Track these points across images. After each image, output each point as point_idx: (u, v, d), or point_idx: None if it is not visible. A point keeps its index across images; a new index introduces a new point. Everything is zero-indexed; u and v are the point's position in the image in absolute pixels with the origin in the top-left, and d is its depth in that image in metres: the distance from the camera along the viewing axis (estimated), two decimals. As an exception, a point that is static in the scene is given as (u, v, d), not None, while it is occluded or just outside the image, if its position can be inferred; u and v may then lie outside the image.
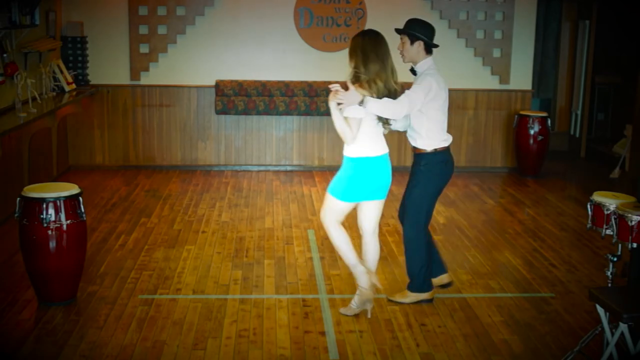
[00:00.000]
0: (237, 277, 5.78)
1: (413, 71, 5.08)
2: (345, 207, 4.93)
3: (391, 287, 5.58)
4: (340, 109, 4.70)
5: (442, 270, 5.36)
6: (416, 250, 5.15)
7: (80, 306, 5.16)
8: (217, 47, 9.35)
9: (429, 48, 4.99)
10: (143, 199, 8.06)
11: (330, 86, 4.73)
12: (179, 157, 9.53)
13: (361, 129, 4.78)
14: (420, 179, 5.08)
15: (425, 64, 4.99)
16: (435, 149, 5.02)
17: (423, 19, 5.11)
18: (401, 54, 5.09)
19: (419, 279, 5.20)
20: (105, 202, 7.88)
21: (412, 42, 4.95)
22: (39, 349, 4.55)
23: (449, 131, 5.16)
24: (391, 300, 5.27)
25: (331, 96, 4.68)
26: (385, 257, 6.27)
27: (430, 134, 5.00)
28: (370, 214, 5.01)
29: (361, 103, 4.64)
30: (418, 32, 4.94)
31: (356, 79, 4.76)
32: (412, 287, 5.23)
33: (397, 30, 5.04)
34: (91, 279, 5.65)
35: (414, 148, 5.10)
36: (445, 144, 5.06)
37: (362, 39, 4.80)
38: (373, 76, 4.72)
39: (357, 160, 4.83)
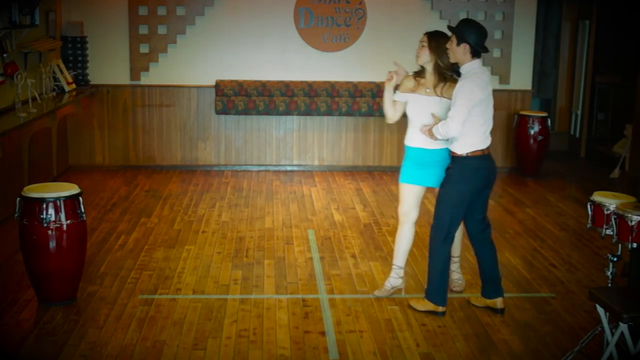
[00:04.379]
0: (237, 277, 5.78)
1: (458, 72, 5.01)
2: None
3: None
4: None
5: (497, 293, 5.19)
6: (434, 254, 5.06)
7: (80, 306, 5.16)
8: (217, 47, 9.35)
9: (476, 51, 4.89)
10: (143, 199, 8.06)
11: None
12: (179, 157, 9.53)
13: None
14: (450, 181, 5.01)
15: (470, 66, 4.89)
16: (467, 153, 4.92)
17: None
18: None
19: (431, 286, 5.09)
20: (105, 202, 7.88)
21: (458, 43, 4.87)
22: (39, 349, 4.55)
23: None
24: (410, 306, 5.22)
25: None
26: (385, 257, 6.27)
27: (467, 138, 4.90)
28: None
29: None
30: (466, 34, 4.84)
31: (443, 77, 5.14)
32: (427, 295, 5.13)
33: (449, 28, 4.99)
34: (91, 279, 5.65)
35: (450, 150, 5.03)
36: (479, 148, 4.93)
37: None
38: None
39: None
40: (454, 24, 4.90)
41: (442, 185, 5.07)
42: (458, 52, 4.89)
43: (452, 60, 5.00)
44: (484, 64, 9.55)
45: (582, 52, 11.06)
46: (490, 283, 5.19)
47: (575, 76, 11.23)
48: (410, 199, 5.32)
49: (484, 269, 5.22)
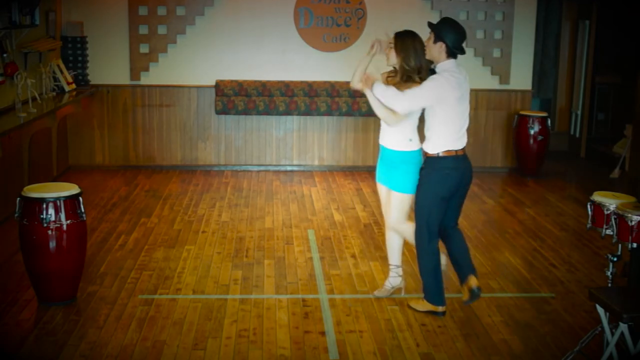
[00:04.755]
0: (237, 277, 5.78)
1: (433, 71, 4.96)
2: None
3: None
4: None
5: (470, 271, 5.08)
6: (422, 256, 5.05)
7: (80, 306, 5.16)
8: (217, 47, 9.35)
9: (452, 52, 4.84)
10: (143, 199, 8.06)
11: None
12: (179, 157, 9.53)
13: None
14: (422, 182, 4.98)
15: (444, 65, 4.84)
16: (438, 154, 4.88)
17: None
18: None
19: (427, 288, 5.09)
20: (105, 202, 7.88)
21: (435, 41, 4.84)
22: (39, 349, 4.55)
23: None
24: (409, 306, 5.22)
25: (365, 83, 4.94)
26: (385, 257, 6.24)
27: (438, 137, 4.87)
28: None
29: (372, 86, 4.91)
30: (444, 33, 4.80)
31: (408, 78, 4.98)
32: (425, 296, 5.14)
33: (429, 25, 4.94)
34: (91, 279, 5.65)
35: (423, 151, 5.01)
36: (453, 149, 4.87)
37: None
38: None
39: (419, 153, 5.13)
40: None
41: (418, 187, 5.03)
42: (434, 49, 4.86)
43: (427, 57, 4.96)
44: (484, 64, 9.76)
45: (582, 52, 11.06)
46: (463, 268, 5.07)
47: (575, 76, 11.23)
48: (383, 198, 5.32)
49: (457, 259, 5.08)
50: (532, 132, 9.33)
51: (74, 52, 9.04)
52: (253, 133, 9.55)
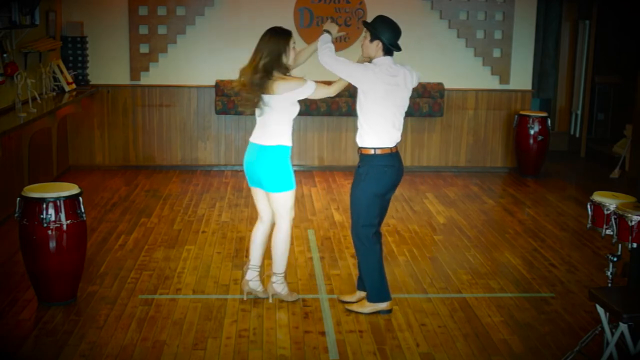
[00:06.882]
0: (237, 277, 5.78)
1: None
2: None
3: (390, 287, 5.56)
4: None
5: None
6: (363, 256, 5.01)
7: (80, 306, 5.16)
8: (217, 47, 9.35)
9: (388, 49, 4.87)
10: (143, 199, 8.06)
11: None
12: (179, 157, 9.53)
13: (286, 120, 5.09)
14: (360, 180, 4.93)
15: (380, 60, 4.85)
16: (375, 150, 4.88)
17: (391, 17, 4.94)
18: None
19: (372, 287, 5.04)
20: (105, 202, 7.88)
21: (372, 40, 4.87)
22: (39, 349, 4.55)
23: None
24: (349, 310, 5.13)
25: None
26: (385, 257, 6.25)
27: (374, 134, 4.86)
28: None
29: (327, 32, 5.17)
30: (380, 31, 4.83)
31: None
32: (368, 297, 5.08)
33: (364, 23, 4.96)
34: (91, 279, 5.65)
35: (358, 147, 4.98)
36: (388, 146, 4.89)
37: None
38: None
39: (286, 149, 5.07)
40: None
41: (354, 186, 4.99)
42: (370, 48, 4.89)
43: (364, 55, 4.99)
44: (484, 64, 9.74)
45: (582, 52, 11.06)
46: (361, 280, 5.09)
47: (575, 76, 11.23)
48: (256, 196, 5.21)
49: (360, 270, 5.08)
50: (532, 132, 9.33)
51: (74, 52, 9.04)
52: (253, 133, 9.54)
